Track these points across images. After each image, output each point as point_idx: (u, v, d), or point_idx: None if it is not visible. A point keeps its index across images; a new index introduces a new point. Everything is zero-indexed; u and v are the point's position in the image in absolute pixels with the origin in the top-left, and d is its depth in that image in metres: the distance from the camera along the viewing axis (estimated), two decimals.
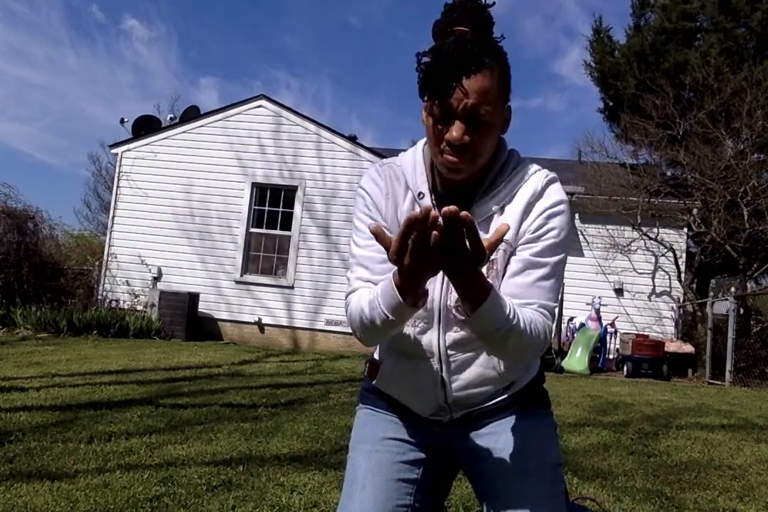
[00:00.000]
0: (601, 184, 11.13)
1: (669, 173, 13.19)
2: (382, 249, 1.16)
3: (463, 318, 1.15)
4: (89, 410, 3.38)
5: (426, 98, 1.22)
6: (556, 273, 1.28)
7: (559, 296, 1.34)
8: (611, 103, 15.78)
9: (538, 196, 1.28)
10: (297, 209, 10.61)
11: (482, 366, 1.30)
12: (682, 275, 10.74)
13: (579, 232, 10.91)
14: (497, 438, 1.33)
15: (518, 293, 1.25)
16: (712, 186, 10.51)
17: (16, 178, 48.11)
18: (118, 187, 11.06)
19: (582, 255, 10.93)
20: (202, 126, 10.98)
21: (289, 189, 10.72)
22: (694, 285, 11.95)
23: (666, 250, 10.76)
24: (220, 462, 2.49)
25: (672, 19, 14.39)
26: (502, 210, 1.28)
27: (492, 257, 1.24)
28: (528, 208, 1.28)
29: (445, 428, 1.37)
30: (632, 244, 10.88)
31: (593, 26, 16.04)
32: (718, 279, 15.88)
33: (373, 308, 1.19)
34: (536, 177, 1.29)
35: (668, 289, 10.90)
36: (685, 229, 11.00)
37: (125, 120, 12.60)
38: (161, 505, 1.96)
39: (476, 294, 1.11)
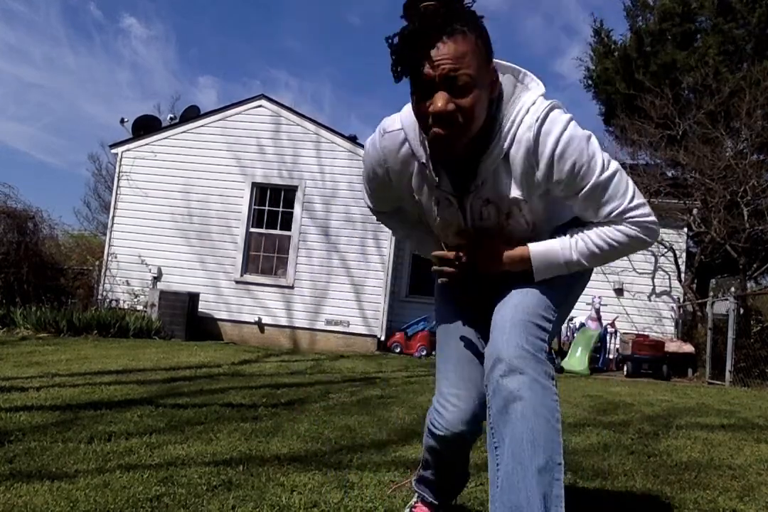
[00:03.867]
0: None
1: (669, 173, 13.19)
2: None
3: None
4: (89, 410, 3.38)
5: (400, 77, 1.23)
6: (612, 182, 1.32)
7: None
8: (610, 104, 15.78)
9: (534, 143, 1.29)
10: (297, 209, 10.61)
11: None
12: (682, 275, 10.74)
13: None
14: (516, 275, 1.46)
15: (598, 220, 1.37)
16: (712, 186, 10.51)
17: (16, 178, 48.02)
18: (118, 186, 11.05)
19: None
20: (202, 126, 10.98)
21: (289, 189, 10.72)
22: (694, 285, 11.94)
23: (666, 250, 10.76)
24: (220, 462, 2.49)
25: (671, 20, 14.39)
26: (506, 157, 1.32)
27: (505, 211, 1.40)
28: (530, 157, 1.30)
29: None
30: None
31: (593, 27, 16.05)
32: (718, 279, 15.87)
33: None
34: (528, 119, 1.29)
35: (668, 289, 10.90)
36: (685, 229, 11.00)
37: (125, 120, 12.60)
38: (161, 505, 1.96)
39: (521, 261, 1.39)
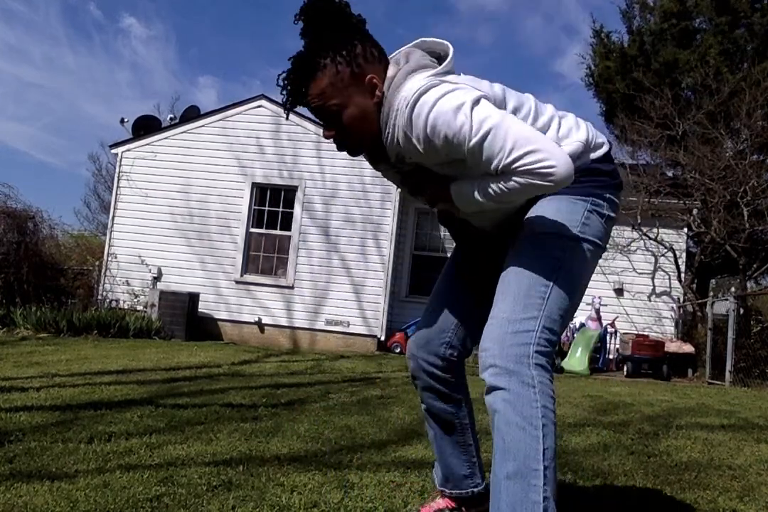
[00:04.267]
0: None
1: (669, 173, 13.18)
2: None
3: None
4: (89, 410, 3.38)
5: (287, 116, 1.56)
6: (484, 144, 1.40)
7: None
8: (610, 104, 15.77)
9: (408, 128, 1.45)
10: (297, 209, 10.61)
11: None
12: (682, 275, 10.74)
13: None
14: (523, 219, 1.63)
15: (493, 172, 1.46)
16: (711, 186, 10.51)
17: (16, 178, 48.02)
18: (118, 187, 11.05)
19: None
20: (202, 126, 10.98)
21: (289, 189, 10.72)
22: (694, 285, 11.94)
23: (666, 250, 10.75)
24: (220, 462, 2.49)
25: (671, 19, 14.39)
26: (397, 143, 1.50)
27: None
28: (409, 140, 1.47)
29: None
30: (632, 244, 10.88)
31: (593, 28, 16.02)
32: (718, 279, 15.88)
33: None
34: (403, 106, 1.45)
35: (668, 289, 10.90)
36: (685, 229, 10.99)
37: (125, 120, 12.59)
38: (161, 505, 1.96)
39: (445, 192, 1.55)
